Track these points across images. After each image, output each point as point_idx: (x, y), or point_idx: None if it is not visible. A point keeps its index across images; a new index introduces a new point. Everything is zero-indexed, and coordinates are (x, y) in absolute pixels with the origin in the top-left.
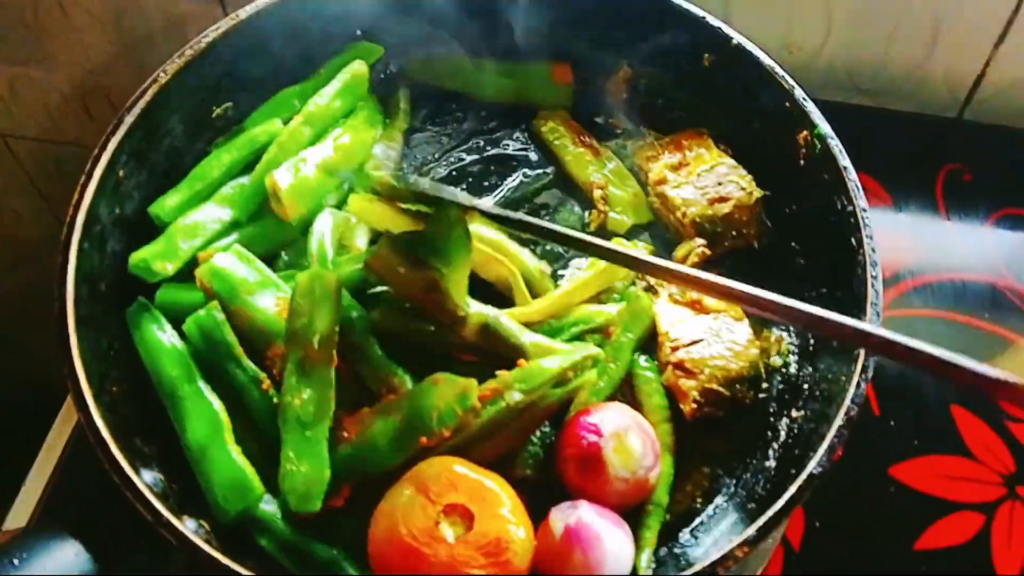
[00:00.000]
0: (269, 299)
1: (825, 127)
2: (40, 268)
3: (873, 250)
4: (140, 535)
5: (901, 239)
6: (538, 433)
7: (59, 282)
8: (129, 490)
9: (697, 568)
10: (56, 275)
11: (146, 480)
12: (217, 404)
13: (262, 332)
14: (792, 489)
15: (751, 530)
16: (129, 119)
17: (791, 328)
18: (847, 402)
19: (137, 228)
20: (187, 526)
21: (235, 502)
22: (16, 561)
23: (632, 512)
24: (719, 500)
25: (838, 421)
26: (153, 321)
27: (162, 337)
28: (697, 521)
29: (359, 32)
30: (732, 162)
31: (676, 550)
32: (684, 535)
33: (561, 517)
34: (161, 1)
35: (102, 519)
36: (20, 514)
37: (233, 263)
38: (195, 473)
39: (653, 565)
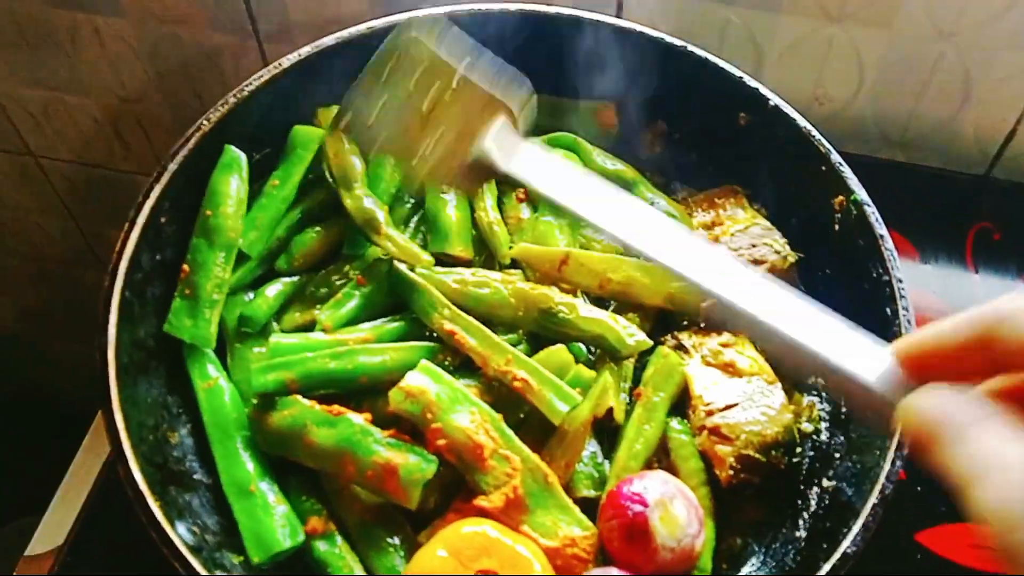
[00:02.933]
0: (464, 417)
1: (862, 194)
2: (65, 282)
3: (909, 323)
4: None
5: (928, 295)
6: (587, 452)
7: (101, 329)
8: (165, 544)
9: None
10: (100, 323)
11: (180, 532)
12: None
13: (465, 451)
14: (826, 568)
15: None
16: (172, 166)
17: (823, 394)
18: (882, 479)
19: (173, 273)
20: None
21: (261, 552)
22: None
23: None
24: (747, 570)
25: (872, 499)
26: (210, 361)
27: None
28: None
29: None
30: (766, 223)
31: None
32: None
33: None
34: (196, 32)
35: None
36: (46, 538)
37: (425, 382)
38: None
39: None
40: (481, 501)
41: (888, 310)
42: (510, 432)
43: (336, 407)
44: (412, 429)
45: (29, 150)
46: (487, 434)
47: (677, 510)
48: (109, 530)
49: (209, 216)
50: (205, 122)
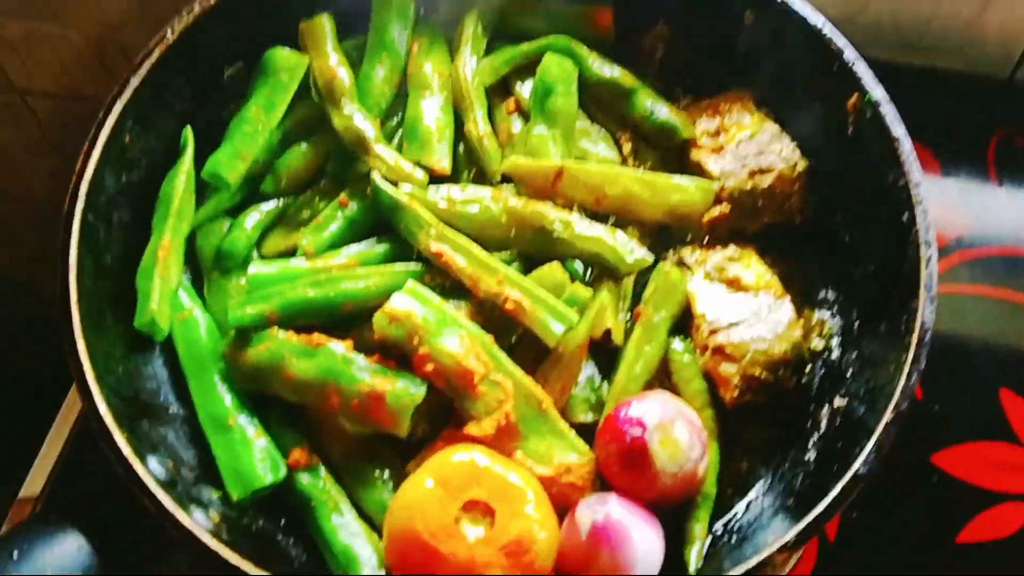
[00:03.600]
0: (454, 340)
1: (877, 92)
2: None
3: (928, 228)
4: (146, 527)
5: (949, 208)
6: (584, 375)
7: (62, 254)
8: (132, 481)
9: (733, 574)
10: (59, 247)
11: (152, 468)
12: None
13: (455, 376)
14: (836, 490)
15: (790, 535)
16: (135, 81)
17: (834, 309)
18: (897, 395)
19: (145, 196)
20: (195, 518)
21: (240, 488)
22: (15, 555)
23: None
24: (753, 494)
25: (887, 417)
26: (185, 290)
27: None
28: (730, 515)
29: None
30: (775, 128)
31: (709, 548)
32: (716, 529)
33: (588, 513)
34: None
35: (108, 510)
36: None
37: (411, 305)
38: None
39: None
40: (472, 428)
41: (904, 216)
42: (502, 355)
43: (316, 336)
44: (399, 356)
45: (13, 86)
46: (477, 358)
47: (678, 433)
48: (90, 472)
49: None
50: (169, 32)
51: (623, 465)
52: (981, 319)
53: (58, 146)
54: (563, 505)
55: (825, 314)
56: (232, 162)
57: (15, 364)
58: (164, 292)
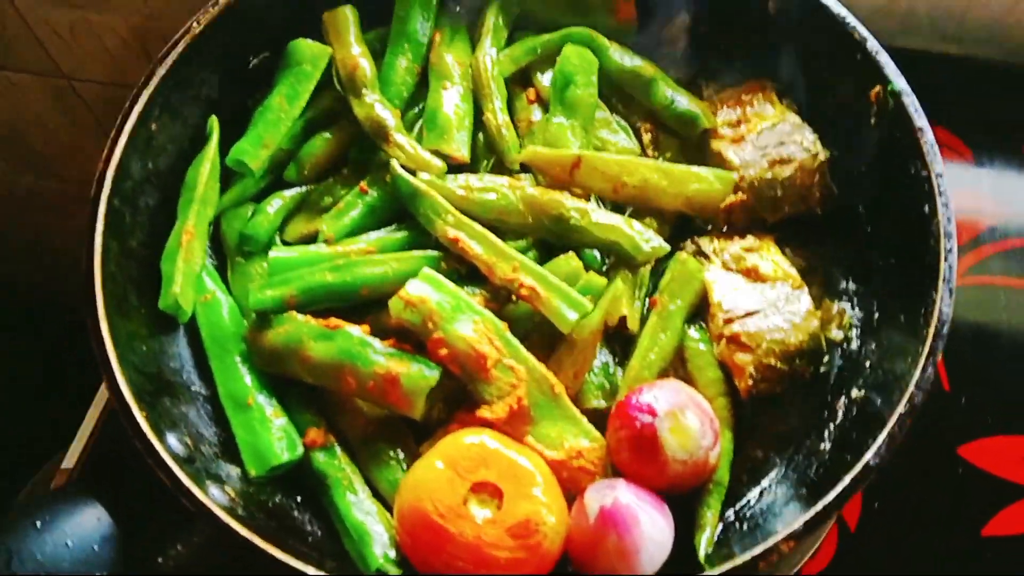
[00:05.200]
0: (467, 326)
1: (900, 82)
2: None
3: (948, 219)
4: (167, 502)
5: (982, 198)
6: (598, 362)
7: (88, 238)
8: (150, 455)
9: (738, 562)
10: (85, 230)
11: (170, 444)
12: None
13: (468, 360)
14: (846, 480)
15: (798, 523)
16: (161, 71)
17: (855, 300)
18: (911, 387)
19: (171, 182)
20: (211, 494)
21: (258, 465)
22: (39, 523)
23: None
24: (766, 482)
25: (900, 408)
26: (208, 273)
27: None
28: (742, 502)
29: None
30: (796, 119)
31: (719, 535)
32: (728, 516)
33: (597, 497)
34: None
35: (130, 484)
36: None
37: (426, 291)
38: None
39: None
40: (484, 412)
41: (926, 207)
42: (515, 341)
43: (333, 320)
44: (415, 341)
45: (61, 72)
46: (491, 343)
47: (689, 421)
48: (117, 448)
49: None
50: (195, 24)
51: (633, 451)
52: (1012, 310)
53: (105, 130)
54: (574, 490)
55: (845, 305)
56: (256, 150)
57: (66, 340)
58: (188, 275)
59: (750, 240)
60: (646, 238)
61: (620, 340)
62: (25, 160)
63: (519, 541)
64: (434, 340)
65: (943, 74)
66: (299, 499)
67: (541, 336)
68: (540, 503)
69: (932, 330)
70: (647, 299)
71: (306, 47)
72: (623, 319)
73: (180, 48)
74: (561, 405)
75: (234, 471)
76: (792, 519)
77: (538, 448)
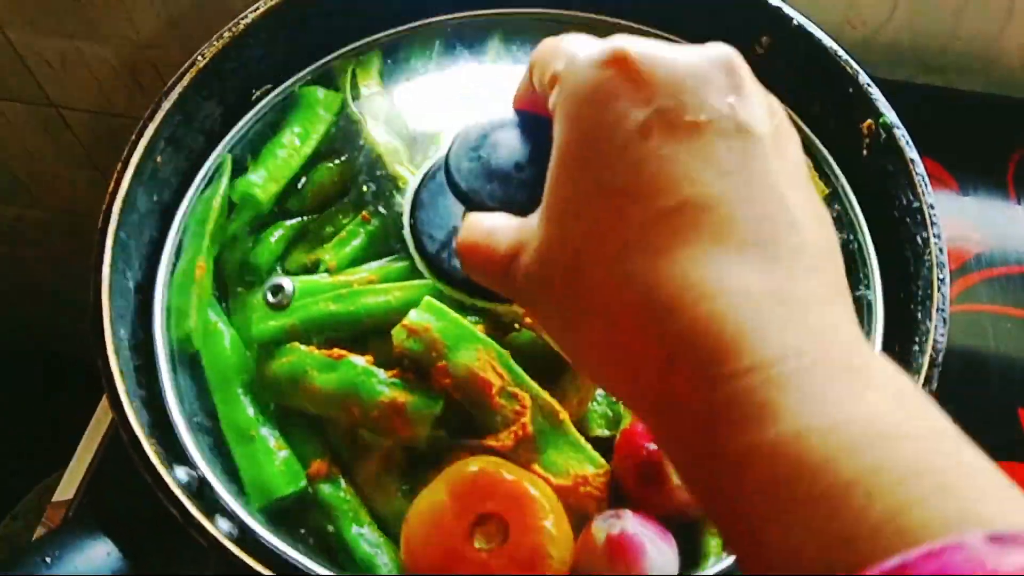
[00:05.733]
0: (471, 354)
1: (891, 116)
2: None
3: (941, 250)
4: (175, 534)
5: (969, 228)
6: (601, 392)
7: (95, 271)
8: (160, 489)
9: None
10: (93, 264)
11: (178, 476)
12: None
13: (472, 388)
14: None
15: None
16: (167, 105)
17: None
18: None
19: (172, 216)
20: (219, 525)
21: (261, 497)
22: (48, 559)
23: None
24: None
25: None
26: (209, 305)
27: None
28: None
29: None
30: None
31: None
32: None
33: (604, 527)
34: None
35: (138, 516)
36: (69, 485)
37: (429, 319)
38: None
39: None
40: (489, 440)
41: (919, 238)
42: (519, 369)
43: (336, 350)
44: (418, 370)
45: (50, 100)
46: (494, 371)
47: None
48: (120, 479)
49: None
50: (200, 58)
51: (639, 478)
52: (1000, 338)
53: (94, 160)
54: (580, 515)
55: None
56: (266, 185)
57: (49, 370)
58: (200, 309)
59: None
60: None
61: None
62: (10, 190)
63: (526, 572)
64: (438, 369)
65: (928, 105)
66: (303, 531)
67: (545, 364)
68: (547, 533)
69: (928, 359)
70: None
71: (319, 94)
72: None
73: (186, 81)
74: (566, 432)
75: (240, 503)
76: None
77: (544, 475)
